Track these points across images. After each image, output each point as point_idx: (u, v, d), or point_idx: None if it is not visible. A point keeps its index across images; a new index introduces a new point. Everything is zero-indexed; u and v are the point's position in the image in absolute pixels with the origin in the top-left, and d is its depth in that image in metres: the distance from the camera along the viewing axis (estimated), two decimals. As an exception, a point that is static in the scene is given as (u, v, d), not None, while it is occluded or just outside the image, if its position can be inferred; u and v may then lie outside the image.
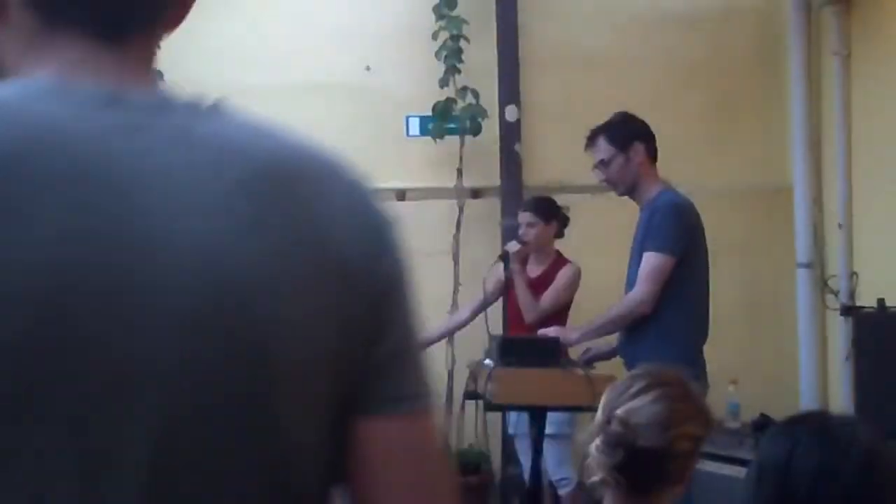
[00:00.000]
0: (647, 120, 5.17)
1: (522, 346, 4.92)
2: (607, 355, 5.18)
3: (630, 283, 4.95)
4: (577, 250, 6.45)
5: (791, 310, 7.23)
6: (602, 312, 5.05)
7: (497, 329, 6.05)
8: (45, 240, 1.05)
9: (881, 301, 5.76)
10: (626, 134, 5.06)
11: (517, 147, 7.34)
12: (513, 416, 5.99)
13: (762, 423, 5.95)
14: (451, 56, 7.16)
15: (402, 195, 7.48)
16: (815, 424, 1.97)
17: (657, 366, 2.55)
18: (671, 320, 4.85)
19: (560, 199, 6.52)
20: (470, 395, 5.18)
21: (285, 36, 7.55)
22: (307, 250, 1.19)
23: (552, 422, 5.18)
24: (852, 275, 6.79)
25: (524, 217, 6.35)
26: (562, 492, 6.21)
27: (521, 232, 6.32)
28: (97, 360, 1.07)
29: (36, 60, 1.17)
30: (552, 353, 4.80)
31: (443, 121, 7.21)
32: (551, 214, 6.35)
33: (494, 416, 5.87)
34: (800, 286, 7.18)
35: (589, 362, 5.06)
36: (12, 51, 1.20)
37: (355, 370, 1.22)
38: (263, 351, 1.14)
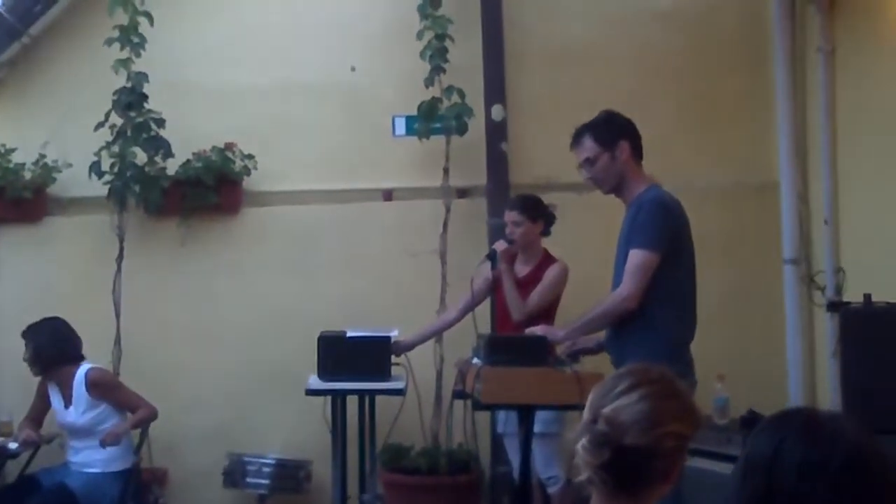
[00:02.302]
0: (633, 117, 5.16)
1: (510, 345, 4.92)
2: (593, 350, 5.18)
3: (616, 281, 4.95)
4: (563, 248, 6.46)
5: (778, 306, 7.25)
6: (588, 310, 5.04)
7: (485, 328, 6.05)
8: None
9: (867, 296, 5.76)
10: (612, 132, 5.05)
11: (503, 146, 7.34)
12: (501, 414, 6.00)
13: (750, 419, 5.96)
14: (437, 55, 7.16)
15: (388, 195, 7.49)
16: (802, 420, 1.97)
17: (643, 364, 2.53)
18: (658, 316, 4.85)
19: (547, 198, 6.53)
20: (458, 394, 5.18)
21: (272, 37, 7.56)
22: None
23: (540, 420, 5.18)
24: (838, 270, 6.81)
25: (510, 216, 6.36)
26: (551, 490, 6.21)
27: (507, 231, 6.32)
28: None
29: None
30: (540, 352, 4.81)
31: (428, 120, 7.21)
32: (537, 213, 6.36)
33: (483, 415, 5.88)
34: (786, 282, 7.20)
35: (574, 356, 5.06)
36: None
37: None
38: None
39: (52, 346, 6.50)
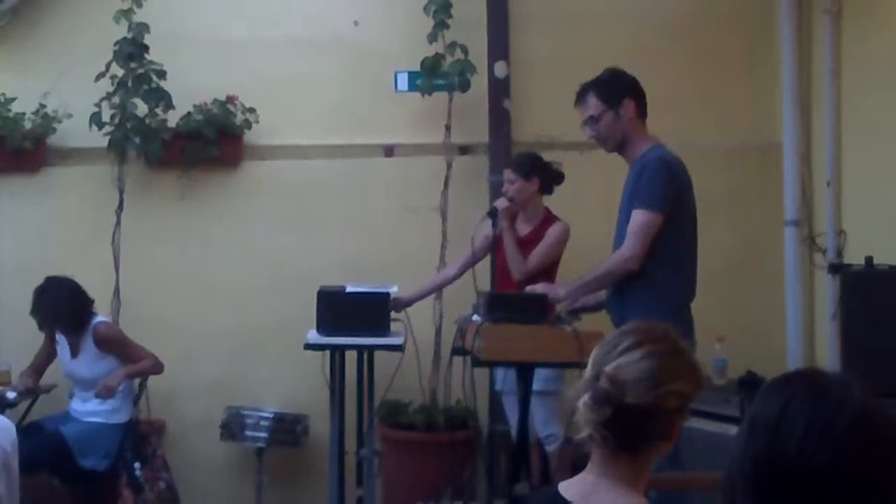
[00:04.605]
0: (637, 76, 5.14)
1: (510, 303, 4.91)
2: (594, 308, 5.18)
3: (618, 240, 4.94)
4: (565, 207, 6.44)
5: (779, 267, 7.23)
6: (590, 269, 5.03)
7: (485, 285, 6.05)
8: None
9: (869, 259, 5.76)
10: (616, 90, 5.03)
11: (506, 103, 7.30)
12: (500, 372, 6.00)
13: (749, 381, 5.98)
14: (440, 11, 7.10)
15: (390, 151, 7.45)
16: (808, 381, 1.95)
17: (647, 322, 2.52)
18: (659, 277, 4.85)
19: (549, 156, 6.51)
20: (457, 351, 5.19)
21: (274, -10, 7.51)
22: None
23: (539, 378, 5.18)
24: (840, 232, 6.80)
25: (506, 173, 6.36)
26: (549, 448, 6.23)
27: (503, 188, 6.32)
28: None
29: None
30: (540, 310, 4.80)
31: (431, 76, 7.16)
32: (531, 170, 6.33)
33: (482, 373, 5.87)
34: (787, 244, 7.18)
35: (575, 313, 5.06)
36: None
37: None
38: None
39: (78, 307, 6.52)
